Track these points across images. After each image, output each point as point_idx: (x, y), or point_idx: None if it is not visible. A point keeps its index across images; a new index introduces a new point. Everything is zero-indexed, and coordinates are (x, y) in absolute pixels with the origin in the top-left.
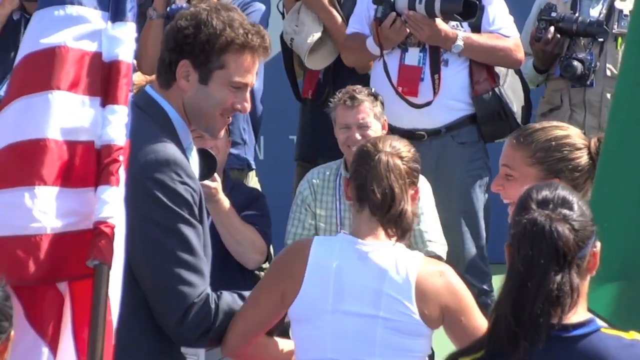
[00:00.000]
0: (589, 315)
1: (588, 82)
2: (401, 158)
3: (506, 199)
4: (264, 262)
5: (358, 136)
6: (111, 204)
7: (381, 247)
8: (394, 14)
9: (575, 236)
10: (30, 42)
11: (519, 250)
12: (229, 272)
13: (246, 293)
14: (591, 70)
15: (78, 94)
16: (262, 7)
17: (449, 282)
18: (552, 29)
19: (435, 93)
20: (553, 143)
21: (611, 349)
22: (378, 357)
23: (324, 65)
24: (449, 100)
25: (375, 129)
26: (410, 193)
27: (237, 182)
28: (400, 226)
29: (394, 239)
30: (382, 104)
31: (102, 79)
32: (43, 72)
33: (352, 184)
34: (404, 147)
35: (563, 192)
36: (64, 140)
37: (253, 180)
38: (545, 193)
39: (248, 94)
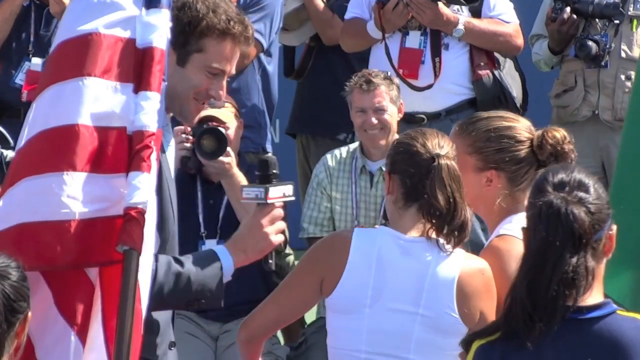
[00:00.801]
0: (604, 298)
1: (602, 63)
2: (450, 159)
3: None
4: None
5: (374, 120)
6: (142, 190)
7: (423, 243)
8: None
9: (591, 219)
10: (65, 29)
11: (534, 232)
12: None
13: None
14: (606, 51)
15: (111, 80)
16: None
17: (489, 282)
18: (568, 9)
19: (436, 76)
20: (492, 134)
21: (627, 331)
22: (413, 354)
23: (297, 42)
24: (450, 84)
25: (392, 113)
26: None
27: (252, 164)
28: (461, 235)
29: (453, 245)
30: (398, 87)
31: (136, 65)
32: (76, 59)
33: (399, 182)
34: (448, 145)
35: (579, 175)
36: (96, 126)
37: None
38: (561, 176)
39: (224, 83)
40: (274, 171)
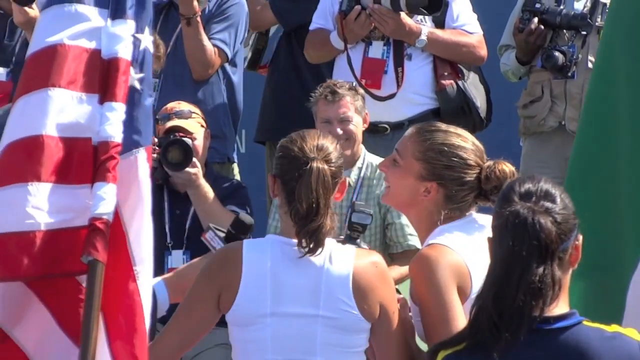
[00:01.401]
0: (570, 308)
1: (569, 74)
2: (329, 162)
3: (385, 181)
4: None
5: (339, 130)
6: (107, 201)
7: (305, 252)
8: (358, 7)
9: (558, 229)
10: (34, 41)
11: (500, 242)
12: None
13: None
14: (573, 62)
15: (76, 91)
16: (242, 0)
17: (383, 273)
18: (535, 20)
19: (398, 86)
20: (446, 149)
21: (593, 341)
22: (319, 356)
23: None
24: (412, 94)
25: (357, 123)
26: (337, 187)
27: (218, 175)
28: (315, 239)
29: (305, 250)
30: (363, 98)
31: (101, 76)
32: (42, 70)
33: (280, 186)
34: (331, 146)
35: (546, 185)
36: (61, 137)
37: (234, 173)
38: (528, 186)
39: (152, 90)
40: (244, 236)
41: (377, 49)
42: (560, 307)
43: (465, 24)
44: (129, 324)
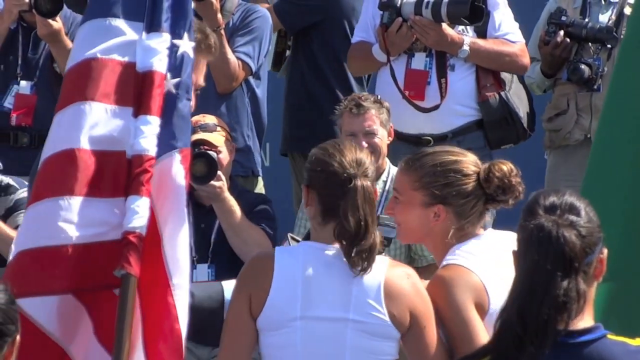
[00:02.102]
0: (595, 322)
1: (595, 87)
2: (368, 177)
3: (396, 223)
4: None
5: (364, 144)
6: (141, 214)
7: (343, 253)
8: (400, 19)
9: (582, 242)
10: (72, 56)
11: (525, 255)
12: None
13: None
14: (598, 74)
15: (110, 104)
16: (266, 12)
17: (416, 284)
18: (561, 32)
19: (442, 97)
20: (439, 168)
21: (617, 355)
22: None
23: None
24: (456, 105)
25: (382, 136)
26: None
27: (243, 189)
28: (369, 258)
29: (359, 269)
30: (389, 110)
31: (135, 89)
32: (77, 84)
33: (317, 198)
34: (366, 159)
35: (571, 198)
36: (94, 150)
37: (259, 187)
38: (552, 199)
39: (191, 93)
40: None
41: (419, 61)
42: (585, 320)
43: (507, 33)
44: (166, 337)
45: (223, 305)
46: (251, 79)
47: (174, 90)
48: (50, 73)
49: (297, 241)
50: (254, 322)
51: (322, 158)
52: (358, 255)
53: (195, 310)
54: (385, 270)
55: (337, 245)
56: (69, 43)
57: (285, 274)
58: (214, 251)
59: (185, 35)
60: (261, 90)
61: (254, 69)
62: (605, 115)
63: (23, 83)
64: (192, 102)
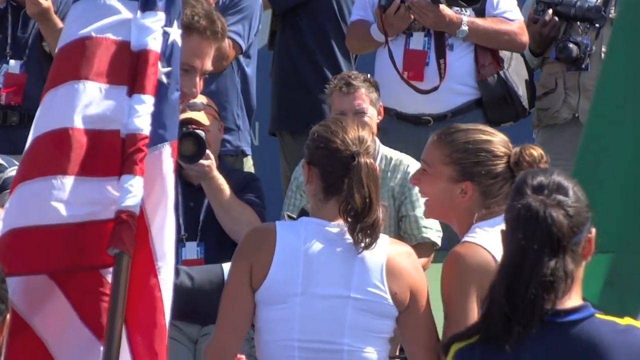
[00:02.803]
0: (583, 301)
1: (583, 66)
2: (369, 154)
3: (421, 194)
4: None
5: None
6: (134, 194)
7: (348, 229)
8: (398, 0)
9: (570, 222)
10: (64, 35)
11: (512, 235)
12: (228, 252)
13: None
14: (587, 54)
15: (104, 83)
16: None
17: (415, 262)
18: (550, 11)
19: (441, 78)
20: (470, 146)
21: (605, 335)
22: (347, 338)
23: None
24: (455, 84)
25: (371, 115)
26: None
27: (232, 168)
28: (373, 234)
29: (362, 246)
30: (378, 89)
31: (130, 68)
32: (69, 63)
33: (320, 176)
34: (367, 136)
35: (558, 177)
36: (88, 129)
37: (248, 166)
38: (540, 178)
39: (198, 80)
40: None
41: (418, 41)
42: (572, 300)
43: (505, 11)
44: (149, 318)
45: (223, 289)
46: (241, 58)
47: (165, 80)
48: (39, 52)
49: (293, 219)
50: (253, 293)
51: (325, 135)
52: (362, 231)
53: (196, 294)
54: (387, 248)
55: (338, 222)
56: (58, 22)
57: (287, 249)
58: (203, 229)
59: (175, 23)
60: (251, 69)
61: (244, 48)
62: (599, 93)
63: (12, 62)
64: (197, 89)
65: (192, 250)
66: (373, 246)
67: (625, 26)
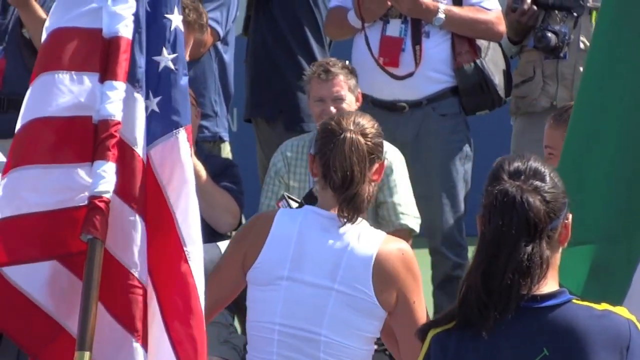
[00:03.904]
0: (559, 287)
1: (561, 54)
2: (365, 135)
3: None
4: (237, 227)
5: (333, 109)
6: (107, 179)
7: (345, 221)
8: None
9: (547, 207)
10: (45, 28)
11: (489, 220)
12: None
13: None
14: (565, 42)
15: (76, 70)
16: None
17: (407, 261)
18: (528, 0)
19: (416, 64)
20: None
21: (581, 320)
22: (325, 329)
23: None
24: (431, 71)
25: (350, 102)
26: (375, 167)
27: (209, 154)
28: (353, 207)
29: (344, 219)
30: (356, 76)
31: (102, 55)
32: (47, 56)
33: (318, 161)
34: (367, 123)
35: (535, 163)
36: (61, 117)
37: (225, 152)
38: (517, 164)
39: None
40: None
41: (394, 27)
42: (549, 285)
43: (483, 1)
44: (185, 305)
45: None
46: (219, 45)
47: (172, 66)
48: (19, 38)
49: (294, 200)
50: (244, 274)
51: (324, 122)
52: (343, 203)
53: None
54: (379, 245)
55: (336, 213)
56: (38, 9)
57: (280, 233)
58: None
59: (176, 9)
60: (229, 56)
61: (221, 35)
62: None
63: None
64: None
65: None
66: (358, 220)
67: (610, 16)
